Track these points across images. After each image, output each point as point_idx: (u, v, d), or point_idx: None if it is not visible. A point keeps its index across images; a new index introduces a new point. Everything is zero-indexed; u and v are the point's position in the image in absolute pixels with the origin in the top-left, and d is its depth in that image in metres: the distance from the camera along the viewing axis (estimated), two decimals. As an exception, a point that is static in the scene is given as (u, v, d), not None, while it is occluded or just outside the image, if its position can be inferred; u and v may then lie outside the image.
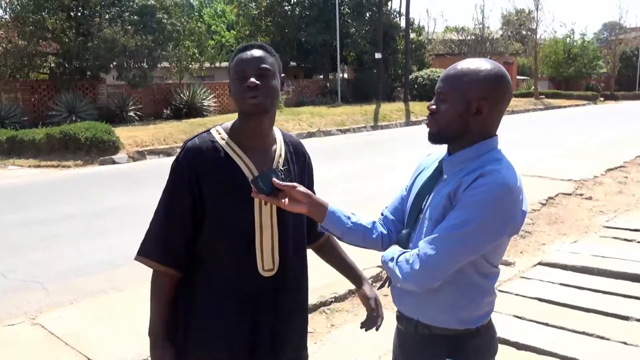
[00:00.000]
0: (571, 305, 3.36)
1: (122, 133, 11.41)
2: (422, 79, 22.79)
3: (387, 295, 1.55)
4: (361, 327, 1.63)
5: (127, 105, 14.95)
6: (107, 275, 4.08)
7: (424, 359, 1.35)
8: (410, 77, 22.77)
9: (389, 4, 25.19)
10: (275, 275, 1.44)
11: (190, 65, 16.38)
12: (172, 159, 1.50)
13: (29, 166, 10.19)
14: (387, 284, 1.45)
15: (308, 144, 1.66)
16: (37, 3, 13.82)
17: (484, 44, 26.81)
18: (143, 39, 14.11)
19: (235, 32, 26.17)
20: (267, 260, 1.43)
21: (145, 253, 1.43)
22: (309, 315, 1.73)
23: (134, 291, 3.73)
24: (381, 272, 3.78)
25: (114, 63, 14.53)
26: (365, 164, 9.34)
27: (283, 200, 1.32)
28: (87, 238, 5.09)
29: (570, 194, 6.51)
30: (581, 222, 5.43)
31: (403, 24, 23.74)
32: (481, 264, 1.28)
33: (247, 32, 23.46)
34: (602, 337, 2.94)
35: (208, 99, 16.86)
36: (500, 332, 3.02)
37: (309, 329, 1.72)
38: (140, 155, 10.79)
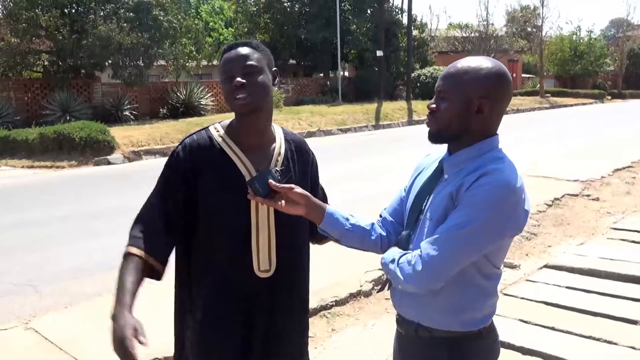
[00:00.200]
0: (578, 309, 3.30)
1: (118, 133, 11.33)
2: (425, 77, 22.56)
3: (387, 298, 1.53)
4: None
5: (122, 104, 14.81)
6: (102, 278, 4.00)
7: None
8: (413, 75, 22.55)
9: (391, 0, 24.93)
10: (272, 276, 1.42)
11: (187, 63, 16.29)
12: None
13: (22, 167, 10.13)
14: (387, 286, 1.42)
15: (308, 144, 1.64)
16: (30, 0, 13.62)
17: (488, 41, 26.49)
18: (139, 37, 13.95)
19: (233, 30, 25.99)
20: (263, 260, 1.41)
21: (130, 242, 1.38)
22: (309, 320, 1.69)
23: (129, 295, 3.65)
24: (382, 274, 3.56)
25: (109, 61, 14.39)
26: (366, 164, 9.27)
27: (280, 203, 1.30)
28: (82, 240, 5.05)
29: (576, 195, 6.44)
30: (588, 223, 5.37)
31: (405, 20, 23.52)
32: (484, 265, 1.26)
33: (246, 29, 23.29)
34: (609, 342, 2.88)
35: (205, 97, 16.69)
36: (506, 337, 2.74)
37: (309, 334, 1.67)
38: (136, 156, 10.71)
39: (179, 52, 15.63)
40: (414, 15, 24.69)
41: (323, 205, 1.35)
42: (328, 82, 22.51)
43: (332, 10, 20.63)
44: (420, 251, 1.22)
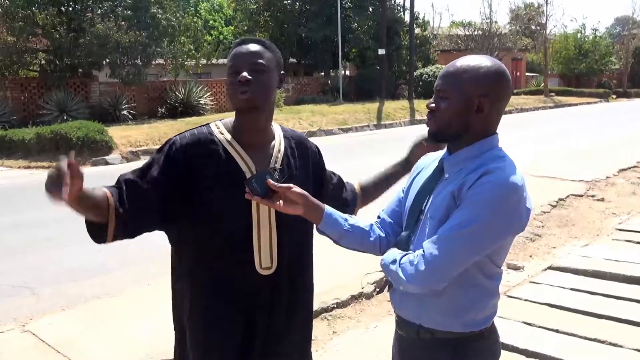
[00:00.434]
0: (582, 311, 3.30)
1: (116, 132, 11.27)
2: (427, 75, 22.45)
3: (389, 300, 1.45)
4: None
5: (120, 103, 14.69)
6: (100, 280, 4.03)
7: None
8: (415, 73, 22.43)
9: (393, -3, 24.80)
10: (274, 273, 1.43)
11: (186, 62, 16.20)
12: None
13: (19, 167, 10.09)
14: (387, 288, 1.42)
15: (308, 138, 1.63)
16: (26, -2, 13.54)
17: (491, 40, 26.31)
18: (137, 35, 13.83)
19: (233, 28, 25.93)
20: (265, 258, 1.41)
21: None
22: None
23: (127, 297, 3.72)
24: (384, 276, 3.51)
25: (107, 60, 14.26)
26: (367, 164, 9.11)
27: (278, 202, 1.29)
28: (79, 242, 5.08)
29: (581, 195, 6.43)
30: (593, 224, 5.36)
31: (407, 18, 23.43)
32: (486, 264, 1.26)
33: (245, 27, 23.23)
34: (614, 344, 2.87)
35: (204, 97, 16.57)
36: (509, 339, 2.91)
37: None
38: (134, 156, 10.64)
39: (178, 51, 15.54)
40: (416, 13, 24.59)
41: (322, 205, 1.34)
42: (329, 81, 22.38)
43: (333, 8, 20.51)
44: (423, 251, 1.22)
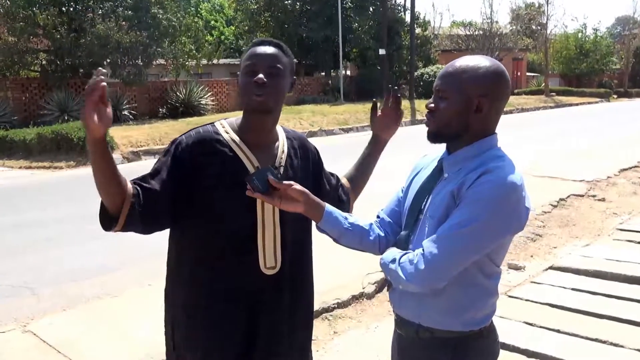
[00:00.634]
0: (584, 311, 3.29)
1: (116, 133, 11.27)
2: (428, 75, 22.39)
3: (388, 301, 1.45)
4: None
5: (121, 103, 14.69)
6: (100, 281, 4.03)
7: None
8: (416, 74, 22.38)
9: (394, -3, 24.77)
10: (278, 273, 1.43)
11: (187, 62, 16.21)
12: None
13: (20, 167, 10.11)
14: (386, 288, 1.41)
15: (308, 139, 1.64)
16: (27, -2, 13.55)
17: (492, 39, 26.23)
18: (137, 35, 13.85)
19: (233, 28, 25.91)
20: (269, 257, 1.42)
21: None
22: None
23: (128, 297, 3.71)
24: (385, 276, 3.50)
25: (108, 60, 14.28)
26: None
27: (277, 199, 1.29)
28: (80, 242, 5.02)
29: (582, 195, 6.41)
30: (594, 224, 5.35)
31: (408, 18, 23.38)
32: (485, 264, 1.26)
33: (246, 27, 23.20)
34: (616, 344, 2.86)
35: (205, 97, 16.61)
36: (510, 339, 2.92)
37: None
38: (135, 156, 10.63)
39: (179, 51, 15.55)
40: (417, 13, 24.51)
41: (322, 203, 1.34)
42: (330, 81, 22.35)
43: (333, 8, 20.48)
44: (423, 250, 1.22)
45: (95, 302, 3.66)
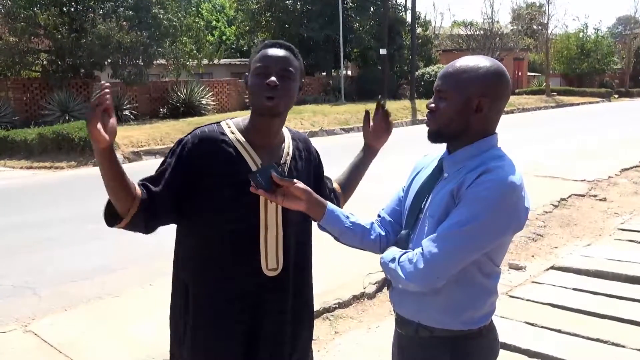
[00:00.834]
0: (585, 311, 3.28)
1: (117, 133, 10.86)
2: (429, 75, 22.39)
3: (389, 301, 1.45)
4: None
5: (122, 104, 14.68)
6: (101, 281, 4.03)
7: None
8: (417, 73, 22.37)
9: (394, -3, 24.73)
10: (280, 275, 1.43)
11: (188, 62, 16.18)
12: None
13: (21, 167, 10.11)
14: (386, 287, 1.41)
15: (311, 142, 1.65)
16: (28, -2, 13.56)
17: (493, 39, 26.20)
18: (138, 35, 13.86)
19: (234, 28, 25.89)
20: (271, 259, 1.41)
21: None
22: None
23: (129, 297, 3.71)
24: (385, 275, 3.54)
25: (109, 60, 14.30)
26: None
27: (280, 197, 1.29)
28: (81, 242, 5.03)
29: (583, 195, 6.40)
30: (595, 224, 5.33)
31: (409, 18, 23.32)
32: (484, 263, 1.26)
33: (247, 27, 23.17)
34: (617, 345, 2.85)
35: (206, 97, 16.61)
36: (512, 339, 2.91)
37: (312, 337, 1.67)
38: (136, 156, 10.63)
39: (179, 51, 15.54)
40: (418, 13, 24.45)
41: (324, 202, 1.35)
42: (330, 81, 22.31)
43: (334, 8, 20.44)
44: (422, 249, 1.22)
45: (96, 302, 3.66)
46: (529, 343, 2.86)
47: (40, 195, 7.55)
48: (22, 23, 13.28)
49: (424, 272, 1.20)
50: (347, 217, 1.37)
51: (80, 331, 3.22)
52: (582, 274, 3.89)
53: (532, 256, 4.43)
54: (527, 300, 3.48)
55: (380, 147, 1.74)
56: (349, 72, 25.78)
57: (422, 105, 18.85)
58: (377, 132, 1.70)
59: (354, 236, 1.37)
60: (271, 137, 1.45)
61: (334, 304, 3.46)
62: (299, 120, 14.53)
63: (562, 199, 6.10)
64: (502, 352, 1.44)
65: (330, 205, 1.36)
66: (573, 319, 3.18)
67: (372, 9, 23.07)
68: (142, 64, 14.75)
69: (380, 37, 20.99)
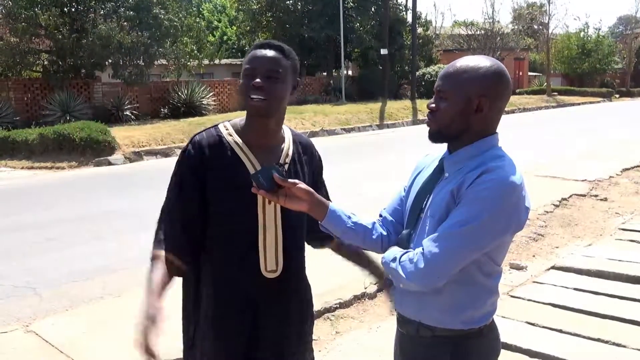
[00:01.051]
0: (586, 311, 3.27)
1: (118, 133, 11.28)
2: (430, 75, 22.39)
3: (392, 301, 1.45)
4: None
5: (123, 104, 14.70)
6: (103, 281, 4.03)
7: None
8: (418, 73, 22.36)
9: (395, -3, 24.69)
10: (279, 276, 1.44)
11: (189, 63, 16.14)
12: (170, 159, 1.34)
13: (22, 168, 10.07)
14: (388, 286, 1.42)
15: (315, 146, 1.65)
16: (29, -1, 13.54)
17: (494, 39, 26.19)
18: (139, 36, 13.85)
19: (235, 28, 25.87)
20: (270, 261, 1.42)
21: (157, 247, 1.43)
22: (313, 322, 1.70)
23: (130, 297, 3.67)
24: (386, 275, 3.54)
25: (110, 60, 14.28)
26: (370, 164, 9.23)
27: (282, 198, 1.29)
28: (82, 242, 5.04)
29: (584, 195, 6.40)
30: (596, 224, 5.34)
31: (410, 18, 23.28)
32: (485, 263, 1.27)
33: (248, 27, 23.14)
34: (618, 345, 2.85)
35: (207, 97, 16.58)
36: (512, 339, 2.90)
37: (313, 337, 1.69)
38: (137, 156, 10.63)
39: (180, 51, 15.50)
40: (419, 13, 24.44)
41: (326, 202, 1.35)
42: (331, 81, 22.30)
43: (335, 8, 20.41)
44: (423, 249, 1.23)
45: (97, 302, 3.67)
46: (530, 343, 2.86)
47: (41, 195, 7.55)
48: (23, 23, 13.24)
49: (425, 271, 1.20)
50: (349, 217, 1.38)
51: (81, 331, 3.23)
52: (583, 274, 3.89)
53: (533, 256, 4.43)
54: (528, 300, 3.48)
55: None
56: (350, 72, 25.76)
57: (422, 105, 18.85)
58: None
59: (355, 236, 1.38)
60: (268, 137, 1.45)
61: (335, 304, 3.46)
62: (300, 120, 14.52)
63: (563, 199, 6.10)
64: (503, 352, 1.44)
65: (332, 205, 1.36)
66: (574, 319, 3.18)
67: (372, 9, 23.04)
68: (142, 64, 14.71)
69: (381, 37, 20.96)
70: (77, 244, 4.99)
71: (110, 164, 10.08)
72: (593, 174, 7.46)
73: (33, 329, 3.27)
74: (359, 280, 3.74)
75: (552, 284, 3.74)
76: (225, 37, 28.08)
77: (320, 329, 3.16)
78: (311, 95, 20.47)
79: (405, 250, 1.29)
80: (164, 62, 16.04)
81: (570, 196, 6.26)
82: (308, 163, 1.54)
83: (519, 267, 4.09)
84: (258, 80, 1.34)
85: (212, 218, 1.41)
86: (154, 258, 1.42)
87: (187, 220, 1.41)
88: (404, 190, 1.48)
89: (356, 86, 22.44)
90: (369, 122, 16.13)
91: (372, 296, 3.64)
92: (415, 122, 17.19)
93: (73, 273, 4.21)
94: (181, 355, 1.60)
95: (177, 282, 1.55)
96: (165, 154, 10.85)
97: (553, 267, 4.08)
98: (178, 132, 11.99)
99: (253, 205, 1.40)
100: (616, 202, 6.18)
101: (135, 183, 8.32)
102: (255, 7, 22.87)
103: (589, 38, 33.21)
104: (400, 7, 25.14)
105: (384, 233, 1.42)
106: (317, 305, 2.71)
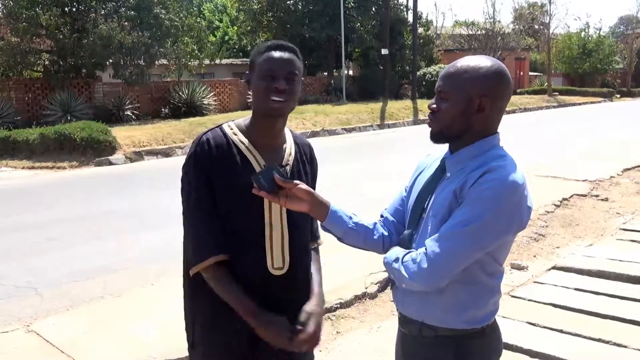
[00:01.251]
0: (586, 311, 3.27)
1: (119, 133, 11.29)
2: (431, 75, 22.39)
3: (392, 301, 1.45)
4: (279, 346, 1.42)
5: (123, 104, 14.71)
6: (103, 281, 4.04)
7: None
8: (418, 73, 22.34)
9: (396, -3, 24.67)
10: (285, 274, 1.45)
11: (189, 63, 16.14)
12: (171, 159, 1.33)
13: (23, 167, 10.08)
14: (389, 286, 1.42)
15: (312, 144, 1.65)
16: (30, -2, 13.55)
17: (494, 39, 26.17)
18: (140, 36, 13.89)
19: (236, 28, 25.87)
20: (277, 258, 1.43)
21: (196, 260, 1.39)
22: None
23: (130, 297, 3.71)
24: (388, 275, 3.51)
25: (110, 60, 14.29)
26: (371, 164, 9.23)
27: (282, 198, 1.30)
28: (83, 242, 5.04)
29: (585, 195, 6.39)
30: (597, 224, 5.33)
31: (410, 18, 23.27)
32: (487, 262, 1.27)
33: (249, 27, 23.14)
34: (619, 345, 2.84)
35: (208, 97, 16.58)
36: (513, 339, 2.91)
37: None
38: (137, 156, 10.64)
39: (181, 51, 15.50)
40: (420, 13, 24.47)
41: (327, 202, 1.35)
42: (332, 81, 22.30)
43: (336, 8, 20.40)
44: (425, 249, 1.22)
45: (98, 302, 3.67)
46: (531, 343, 2.86)
47: (42, 195, 7.56)
48: (24, 23, 13.25)
49: (428, 271, 1.21)
50: (350, 218, 1.37)
51: (82, 331, 3.23)
52: (584, 274, 3.88)
53: (534, 256, 4.43)
54: (529, 300, 3.47)
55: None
56: (351, 72, 25.77)
57: (423, 105, 18.85)
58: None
59: (357, 236, 1.38)
60: (273, 138, 1.47)
61: (336, 304, 3.46)
62: (301, 120, 14.51)
63: (564, 199, 6.10)
64: (503, 352, 1.44)
65: (333, 205, 1.36)
66: (575, 319, 3.17)
67: (373, 9, 23.04)
68: (143, 64, 14.72)
69: (381, 37, 20.96)
70: (78, 244, 5.00)
71: (111, 163, 10.09)
72: (594, 174, 7.45)
73: (34, 328, 3.28)
74: (360, 280, 3.77)
75: (552, 284, 3.73)
76: (226, 37, 28.08)
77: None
78: (312, 95, 20.46)
79: (407, 251, 1.29)
80: (164, 62, 16.05)
81: (571, 196, 6.25)
82: (309, 164, 1.56)
83: (519, 267, 4.09)
84: (282, 83, 1.36)
85: (219, 216, 1.42)
86: (210, 266, 1.39)
87: (216, 218, 1.41)
88: (405, 190, 1.48)
89: (357, 86, 22.45)
90: (370, 122, 16.14)
91: (372, 296, 3.64)
92: (416, 122, 17.18)
93: (74, 273, 4.22)
94: (185, 354, 1.60)
95: (178, 282, 1.55)
96: (166, 153, 10.87)
97: (554, 267, 4.08)
98: (179, 132, 12.01)
99: (259, 204, 1.41)
100: (617, 202, 6.17)
101: (136, 183, 8.33)
102: (256, 7, 22.87)
103: (590, 38, 33.20)
104: (401, 7, 25.13)
105: (385, 233, 1.42)
106: (317, 305, 2.69)
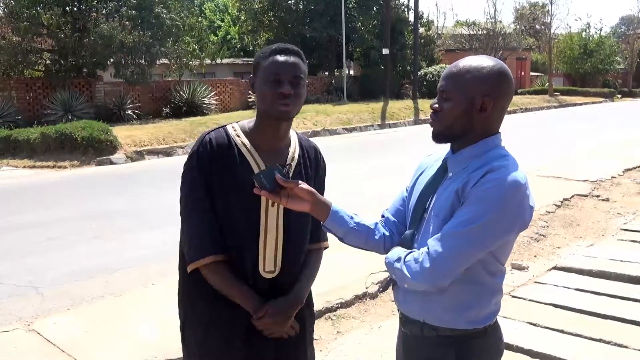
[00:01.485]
0: (587, 311, 3.27)
1: (120, 132, 11.30)
2: (432, 75, 22.43)
3: (393, 300, 1.44)
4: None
5: (124, 103, 14.72)
6: (104, 280, 4.04)
7: None
8: (419, 73, 22.36)
9: (397, -3, 24.68)
10: (276, 277, 1.45)
11: (190, 62, 16.13)
12: (172, 159, 1.34)
13: (24, 167, 10.11)
14: (390, 286, 1.37)
15: (321, 152, 1.65)
16: (31, -2, 13.55)
17: (496, 39, 26.17)
18: (141, 35, 13.85)
19: (237, 28, 25.87)
20: (269, 261, 1.43)
21: (196, 257, 1.39)
22: (314, 322, 1.70)
23: (131, 296, 3.72)
24: (389, 275, 3.49)
25: (111, 60, 14.29)
26: (371, 164, 9.23)
27: (284, 198, 1.30)
28: (84, 242, 5.05)
29: (586, 195, 6.39)
30: (598, 224, 5.33)
31: (411, 18, 23.25)
32: (489, 262, 1.27)
33: (250, 27, 23.14)
34: (619, 345, 2.84)
35: (209, 96, 16.60)
36: (514, 339, 2.91)
37: (314, 337, 1.69)
38: (138, 156, 10.65)
39: (182, 51, 15.51)
40: (421, 13, 24.42)
41: (328, 202, 1.35)
42: (333, 81, 22.30)
43: (337, 7, 20.42)
44: (428, 248, 1.22)
45: (99, 301, 3.67)
46: (531, 343, 2.86)
47: (43, 194, 7.57)
48: (25, 22, 13.25)
49: (431, 271, 1.20)
50: (352, 218, 1.37)
51: (83, 330, 3.23)
52: (585, 274, 3.88)
53: (535, 256, 4.43)
54: (530, 300, 3.47)
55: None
56: (352, 72, 25.75)
57: (424, 104, 18.84)
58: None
59: (358, 236, 1.37)
60: (277, 140, 1.46)
61: (337, 304, 3.46)
62: (302, 120, 14.51)
63: (565, 199, 6.10)
64: (504, 352, 1.44)
65: (334, 205, 1.36)
66: (575, 319, 3.18)
67: (374, 9, 23.03)
68: (144, 63, 14.73)
69: (382, 36, 20.96)
70: (79, 243, 5.00)
71: (112, 163, 10.10)
72: (595, 174, 7.45)
73: (35, 328, 3.28)
74: (360, 280, 3.77)
75: (553, 284, 3.73)
76: (228, 37, 28.08)
77: (321, 329, 3.16)
78: (313, 95, 20.45)
79: (409, 250, 1.29)
80: (165, 61, 16.05)
81: (572, 196, 6.24)
82: (314, 167, 1.55)
83: (520, 267, 4.09)
84: (289, 88, 1.36)
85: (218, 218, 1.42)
86: (208, 265, 1.39)
87: (214, 217, 1.42)
88: (407, 190, 1.47)
89: (358, 86, 22.46)
90: (371, 122, 16.13)
91: (373, 296, 3.64)
92: (417, 121, 17.18)
93: (75, 272, 4.22)
94: (181, 355, 1.60)
95: (176, 281, 1.55)
96: (167, 153, 10.88)
97: (555, 268, 4.08)
98: (180, 131, 12.01)
99: (256, 207, 1.41)
100: (618, 202, 6.17)
101: (137, 182, 8.34)
102: (257, 6, 22.88)
103: (591, 38, 33.16)
104: (402, 7, 25.16)
105: (387, 233, 1.42)
106: (318, 305, 2.70)
